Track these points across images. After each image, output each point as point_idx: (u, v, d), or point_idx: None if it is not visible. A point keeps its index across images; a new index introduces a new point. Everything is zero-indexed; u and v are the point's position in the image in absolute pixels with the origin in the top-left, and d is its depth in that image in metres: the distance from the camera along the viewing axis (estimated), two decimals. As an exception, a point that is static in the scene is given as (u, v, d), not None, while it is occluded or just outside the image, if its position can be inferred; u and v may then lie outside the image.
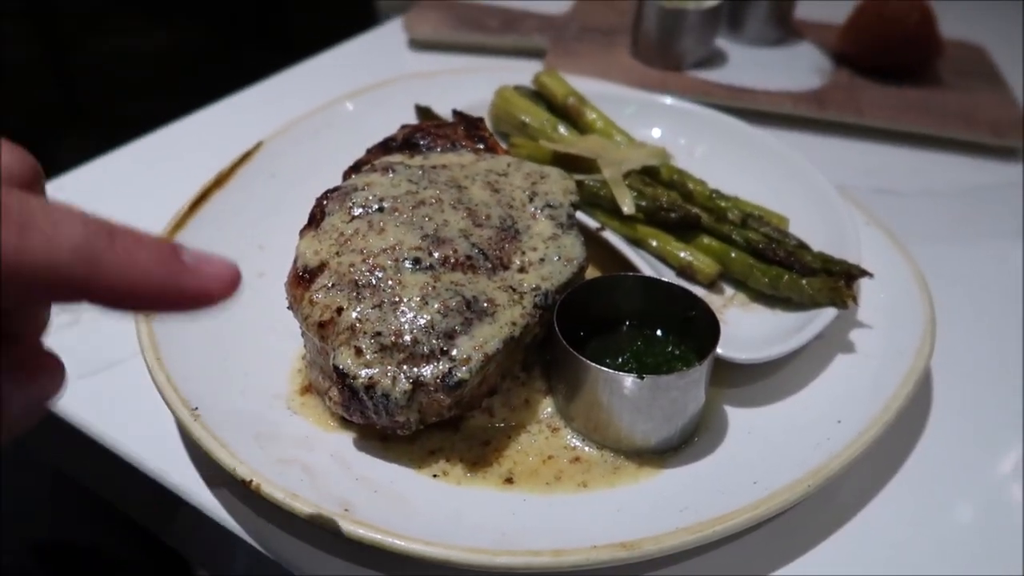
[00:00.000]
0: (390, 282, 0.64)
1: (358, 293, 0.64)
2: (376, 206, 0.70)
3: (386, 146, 0.83)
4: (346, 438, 0.66)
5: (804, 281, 0.76)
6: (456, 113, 0.92)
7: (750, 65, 1.30)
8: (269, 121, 0.97)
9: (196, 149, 1.04)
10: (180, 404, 0.62)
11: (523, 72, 1.06)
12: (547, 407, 0.70)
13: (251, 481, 0.57)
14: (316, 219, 0.71)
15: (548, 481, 0.64)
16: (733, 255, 0.82)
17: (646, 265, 0.80)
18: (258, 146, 0.92)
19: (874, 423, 0.66)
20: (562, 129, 0.96)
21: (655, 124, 1.03)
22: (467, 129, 0.85)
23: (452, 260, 0.67)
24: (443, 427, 0.67)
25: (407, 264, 0.65)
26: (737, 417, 0.70)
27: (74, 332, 0.76)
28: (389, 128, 0.86)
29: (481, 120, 0.88)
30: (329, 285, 0.65)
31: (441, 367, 0.61)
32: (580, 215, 0.83)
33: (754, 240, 0.81)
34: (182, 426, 0.62)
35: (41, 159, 0.41)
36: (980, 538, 0.67)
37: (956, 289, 0.88)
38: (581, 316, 0.69)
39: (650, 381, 0.63)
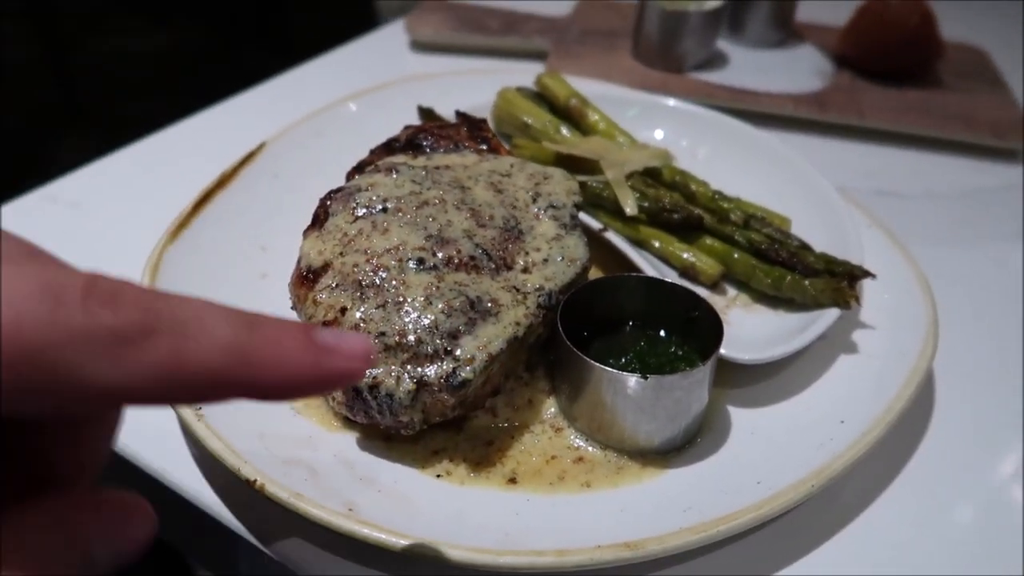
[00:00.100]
0: (394, 282, 0.64)
1: (362, 293, 0.64)
2: (380, 206, 0.70)
3: (389, 147, 0.83)
4: (350, 438, 0.66)
5: (807, 282, 0.76)
6: (459, 114, 0.92)
7: (751, 67, 1.30)
8: (272, 123, 0.98)
9: (198, 151, 1.04)
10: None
11: (525, 74, 1.06)
12: (550, 407, 0.70)
13: (255, 481, 0.57)
14: (320, 219, 0.71)
15: (552, 481, 0.64)
16: (736, 256, 0.82)
17: (649, 266, 0.80)
18: (261, 147, 0.92)
19: (877, 423, 0.66)
20: (564, 130, 0.96)
21: (657, 126, 1.04)
22: (470, 130, 0.85)
23: (456, 260, 0.67)
24: (447, 427, 0.67)
25: (411, 264, 0.65)
26: (740, 417, 0.70)
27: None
28: (392, 129, 0.86)
29: (484, 121, 0.89)
30: (333, 285, 0.65)
31: (445, 367, 0.61)
32: (583, 216, 0.83)
33: (757, 241, 0.82)
34: (185, 426, 0.62)
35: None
36: (983, 538, 0.67)
37: (956, 290, 0.88)
38: (584, 316, 0.69)
39: (654, 381, 0.63)
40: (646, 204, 0.84)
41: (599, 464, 0.66)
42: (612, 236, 0.84)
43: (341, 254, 0.67)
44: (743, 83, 1.24)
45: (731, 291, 0.83)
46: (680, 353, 0.70)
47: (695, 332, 0.70)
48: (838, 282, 0.75)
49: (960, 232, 1.04)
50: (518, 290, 0.67)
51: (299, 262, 0.68)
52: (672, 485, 0.64)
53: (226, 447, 0.59)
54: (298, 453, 0.63)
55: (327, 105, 1.02)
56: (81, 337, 0.27)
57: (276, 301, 0.71)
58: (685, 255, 0.83)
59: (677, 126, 1.03)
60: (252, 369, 0.31)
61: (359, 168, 0.79)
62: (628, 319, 0.73)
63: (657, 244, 0.84)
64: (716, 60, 1.31)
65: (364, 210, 0.70)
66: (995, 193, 1.12)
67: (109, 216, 0.94)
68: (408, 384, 0.60)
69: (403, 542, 0.54)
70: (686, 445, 0.68)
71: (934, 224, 1.05)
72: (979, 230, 1.05)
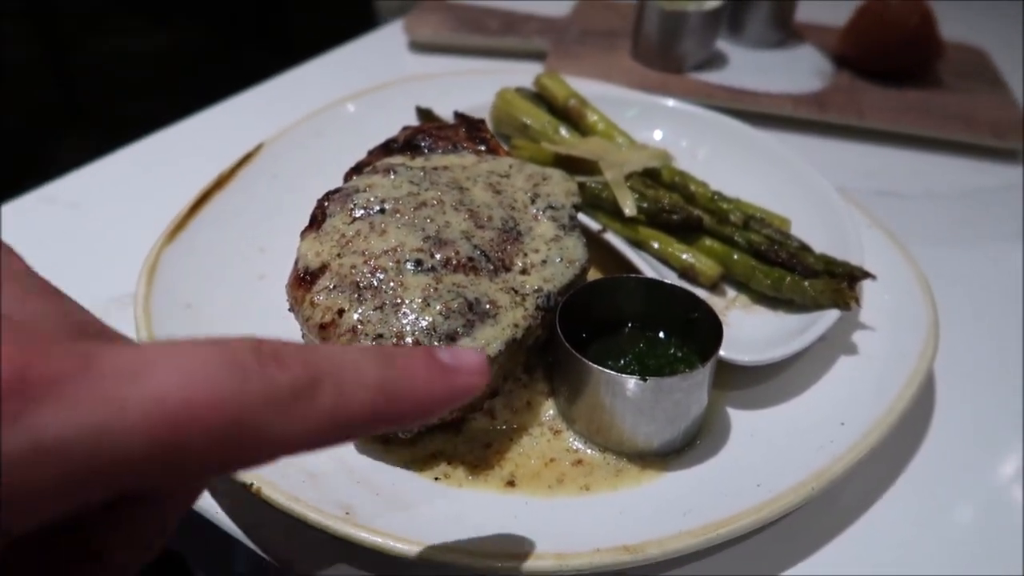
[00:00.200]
0: (392, 284, 0.64)
1: (360, 295, 0.64)
2: (377, 207, 0.70)
3: (387, 148, 0.82)
4: (347, 441, 0.65)
5: (807, 283, 0.76)
6: (457, 115, 0.92)
7: (751, 67, 1.30)
8: (270, 123, 0.97)
9: (196, 151, 1.04)
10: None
11: (524, 74, 1.06)
12: (549, 409, 0.70)
13: (252, 484, 0.57)
14: (317, 221, 0.71)
15: (550, 484, 0.64)
16: (735, 257, 0.81)
17: (648, 267, 0.79)
18: (259, 148, 0.92)
19: (877, 425, 0.65)
20: (563, 131, 0.96)
21: (657, 126, 1.03)
22: (468, 131, 0.85)
23: (454, 262, 0.66)
24: (444, 429, 0.67)
25: (409, 266, 0.65)
26: (740, 419, 0.70)
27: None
28: (390, 130, 0.86)
29: (482, 122, 0.88)
30: (330, 287, 0.65)
31: (443, 369, 0.60)
32: (582, 217, 0.82)
33: (756, 242, 0.81)
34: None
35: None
36: (985, 540, 0.66)
37: (956, 290, 0.88)
38: (583, 318, 0.69)
39: (653, 383, 0.62)
40: (645, 205, 0.84)
41: (598, 467, 0.66)
42: (611, 237, 0.84)
43: (339, 255, 0.66)
44: (743, 83, 1.23)
45: (730, 292, 0.83)
46: (679, 355, 0.70)
47: (694, 334, 0.70)
48: (838, 283, 0.75)
49: (960, 232, 1.04)
50: (516, 292, 0.67)
51: (296, 263, 0.68)
52: (672, 488, 0.64)
53: (223, 450, 0.59)
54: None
55: (325, 106, 1.02)
56: (267, 399, 0.29)
57: (274, 303, 0.70)
58: (684, 256, 0.83)
59: (676, 127, 1.03)
60: (398, 403, 0.33)
61: (357, 169, 0.79)
62: (627, 320, 0.73)
63: (656, 245, 0.84)
64: (715, 60, 1.30)
65: (362, 211, 0.69)
66: (995, 193, 1.12)
67: (108, 217, 0.94)
68: (406, 386, 0.60)
69: (401, 546, 0.54)
70: (685, 447, 0.67)
71: (934, 224, 1.05)
72: (979, 230, 1.05)
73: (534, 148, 0.93)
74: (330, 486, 0.60)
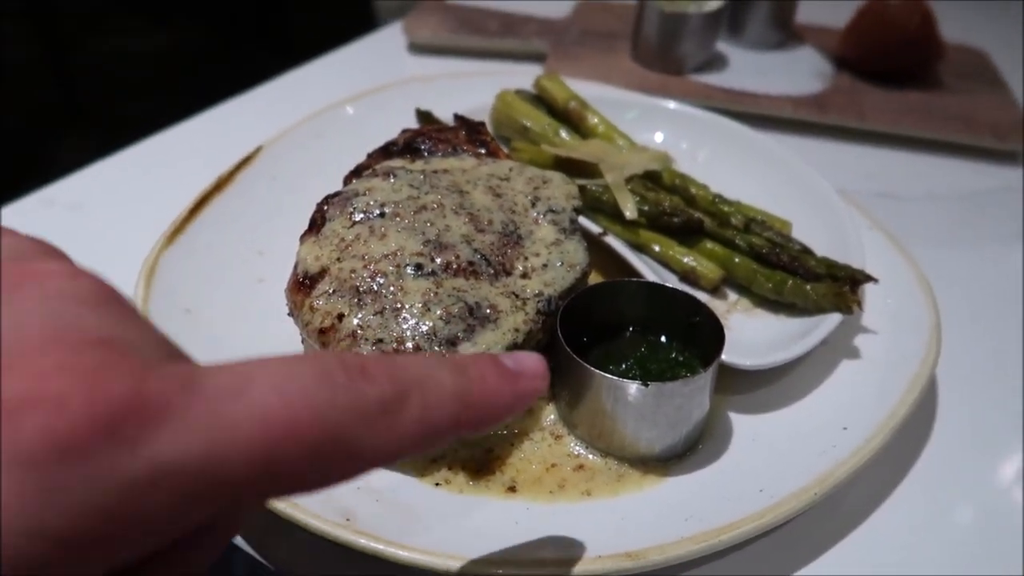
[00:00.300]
0: (392, 288, 0.64)
1: (359, 299, 0.63)
2: (377, 211, 0.69)
3: (387, 150, 0.82)
4: (347, 445, 0.65)
5: (808, 286, 0.76)
6: (457, 117, 0.91)
7: (751, 69, 1.29)
8: (269, 125, 0.97)
9: (195, 153, 1.04)
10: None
11: (524, 76, 1.06)
12: (550, 414, 0.70)
13: (252, 490, 0.57)
14: (317, 224, 0.71)
15: (551, 489, 0.64)
16: (736, 260, 0.81)
17: (649, 270, 0.79)
18: (258, 150, 0.92)
19: (880, 430, 0.65)
20: (564, 133, 0.96)
21: (657, 128, 1.03)
22: (468, 133, 0.85)
23: (454, 266, 0.66)
24: (445, 434, 0.66)
25: (409, 270, 0.65)
26: (742, 424, 0.70)
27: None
28: (390, 132, 0.86)
29: (482, 124, 0.88)
30: (330, 291, 0.64)
31: (444, 374, 0.60)
32: (582, 220, 0.82)
33: (757, 245, 0.81)
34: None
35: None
36: (987, 543, 0.66)
37: (956, 292, 0.88)
38: (584, 322, 0.68)
39: (654, 388, 0.62)
40: (646, 208, 0.84)
41: (599, 472, 0.65)
42: (612, 240, 0.84)
43: (338, 259, 0.66)
44: (743, 85, 1.23)
45: (732, 296, 0.83)
46: (681, 359, 0.69)
47: (696, 338, 0.69)
48: (840, 286, 0.75)
49: (961, 234, 1.04)
50: (517, 296, 0.66)
51: (295, 268, 0.68)
52: (673, 493, 0.64)
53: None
54: (295, 461, 0.62)
55: (324, 108, 1.02)
56: (357, 413, 0.29)
57: (274, 306, 0.70)
58: (685, 259, 0.82)
59: (677, 129, 1.03)
60: (474, 410, 0.34)
61: (356, 172, 0.78)
62: (628, 325, 0.72)
63: (657, 248, 0.83)
64: (716, 62, 1.30)
65: (361, 215, 0.69)
66: (995, 195, 1.11)
67: (108, 218, 0.94)
68: (406, 391, 0.59)
69: (401, 552, 0.54)
70: (687, 452, 0.67)
71: (934, 226, 1.05)
72: (980, 232, 1.04)
73: (534, 150, 0.92)
74: (331, 492, 0.59)
